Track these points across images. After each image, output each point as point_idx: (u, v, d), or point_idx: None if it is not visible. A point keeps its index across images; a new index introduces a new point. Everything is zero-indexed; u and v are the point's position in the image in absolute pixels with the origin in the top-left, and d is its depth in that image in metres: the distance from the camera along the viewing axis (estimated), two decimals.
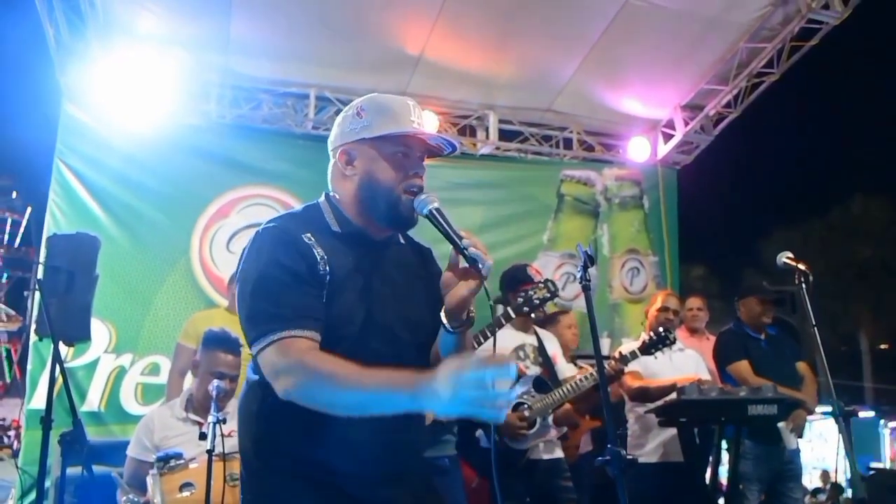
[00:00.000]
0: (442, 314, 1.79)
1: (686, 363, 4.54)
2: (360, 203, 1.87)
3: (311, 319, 1.71)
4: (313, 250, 1.77)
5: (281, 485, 1.78)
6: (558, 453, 4.08)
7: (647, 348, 4.05)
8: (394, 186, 1.83)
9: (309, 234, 1.80)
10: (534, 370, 4.10)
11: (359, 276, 1.81)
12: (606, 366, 3.92)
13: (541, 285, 3.79)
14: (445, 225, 1.75)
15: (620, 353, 4.08)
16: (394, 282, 1.87)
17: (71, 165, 6.04)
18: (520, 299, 3.78)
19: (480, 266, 1.70)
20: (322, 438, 1.73)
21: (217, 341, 3.51)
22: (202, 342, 3.59)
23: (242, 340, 3.59)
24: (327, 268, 1.77)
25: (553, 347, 4.27)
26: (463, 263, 1.74)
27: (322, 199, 1.95)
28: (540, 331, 4.28)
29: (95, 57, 5.95)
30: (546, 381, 4.05)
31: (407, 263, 1.94)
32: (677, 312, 4.70)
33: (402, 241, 1.99)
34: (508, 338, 4.04)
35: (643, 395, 4.40)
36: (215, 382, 3.23)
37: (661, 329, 4.11)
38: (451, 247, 1.76)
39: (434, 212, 1.78)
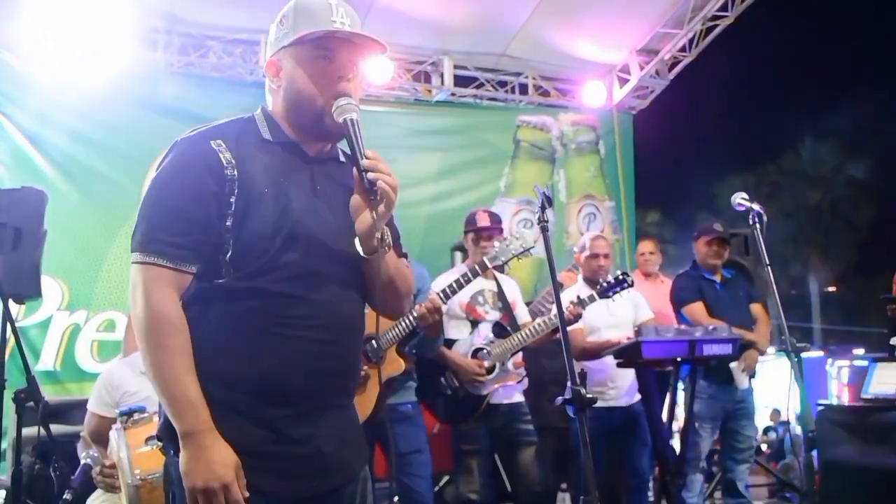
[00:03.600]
0: (356, 239, 1.72)
1: (623, 307, 4.45)
2: (289, 113, 1.78)
3: (183, 249, 1.65)
4: (220, 155, 1.68)
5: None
6: (518, 397, 4.13)
7: (605, 291, 4.08)
8: (316, 96, 1.72)
9: (220, 141, 1.70)
10: (493, 315, 4.13)
11: (288, 185, 1.71)
12: (565, 310, 3.94)
13: (515, 237, 3.73)
14: (355, 140, 1.66)
15: (578, 296, 4.11)
16: (329, 199, 1.77)
17: (11, 117, 5.81)
18: (494, 251, 3.74)
19: (377, 191, 1.63)
20: (246, 361, 1.66)
21: None
22: None
23: None
24: (235, 172, 1.67)
25: (513, 292, 4.29)
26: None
27: (258, 111, 1.85)
28: (499, 276, 4.29)
29: (33, 3, 5.69)
30: (505, 326, 4.08)
31: (344, 181, 1.79)
32: (608, 256, 4.62)
33: (342, 159, 1.88)
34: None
35: (586, 355, 4.43)
36: None
37: (619, 272, 4.14)
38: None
39: (349, 122, 1.68)
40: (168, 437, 1.72)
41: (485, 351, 3.97)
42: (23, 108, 5.86)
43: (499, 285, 4.21)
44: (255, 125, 1.81)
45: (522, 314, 4.27)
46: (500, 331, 4.03)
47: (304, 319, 1.69)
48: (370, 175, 1.63)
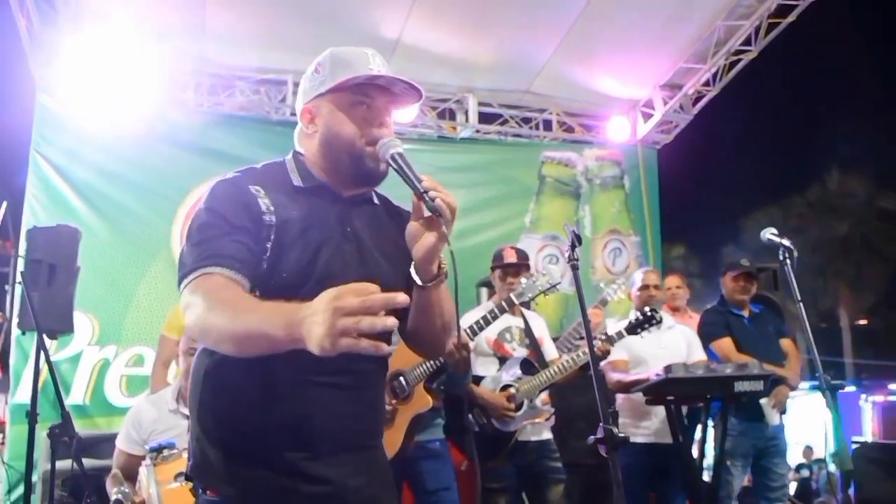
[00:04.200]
0: (412, 269, 1.72)
1: (675, 341, 4.53)
2: (324, 159, 1.78)
3: (230, 259, 1.60)
4: (258, 200, 1.68)
5: (220, 463, 1.66)
6: (546, 434, 4.10)
7: (633, 328, 4.07)
8: (355, 139, 1.73)
9: (258, 187, 1.70)
10: (520, 352, 4.11)
11: (319, 230, 1.72)
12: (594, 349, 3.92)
13: (542, 273, 3.76)
14: (407, 169, 1.68)
15: (606, 333, 4.10)
16: (360, 240, 1.78)
17: (48, 157, 5.96)
18: (521, 287, 3.75)
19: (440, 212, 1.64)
20: (264, 407, 1.64)
21: None
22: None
23: None
24: (273, 218, 1.66)
25: (539, 329, 4.29)
26: (426, 212, 1.67)
27: (288, 156, 1.86)
28: (526, 312, 4.29)
29: (69, 48, 5.86)
30: (533, 362, 4.06)
31: (378, 223, 1.84)
32: (658, 287, 4.74)
33: (375, 201, 1.90)
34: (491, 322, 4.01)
35: (620, 389, 4.43)
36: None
37: (647, 309, 4.13)
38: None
39: (396, 156, 1.70)
40: (198, 476, 1.73)
41: (513, 388, 3.95)
42: (58, 148, 6.01)
43: (526, 322, 4.21)
44: (286, 171, 1.81)
45: (550, 350, 4.25)
46: (527, 367, 4.02)
47: (330, 365, 1.64)
48: (432, 194, 1.64)
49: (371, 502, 1.77)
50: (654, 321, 4.06)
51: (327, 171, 1.79)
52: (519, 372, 4.00)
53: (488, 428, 3.92)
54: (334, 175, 1.79)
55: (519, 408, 3.93)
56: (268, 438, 1.64)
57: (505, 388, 3.96)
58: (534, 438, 4.03)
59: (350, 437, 1.75)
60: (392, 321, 1.32)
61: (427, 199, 1.64)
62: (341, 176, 1.78)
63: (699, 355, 4.58)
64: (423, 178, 1.66)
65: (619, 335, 4.05)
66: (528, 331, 4.19)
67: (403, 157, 1.70)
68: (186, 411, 3.33)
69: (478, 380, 4.00)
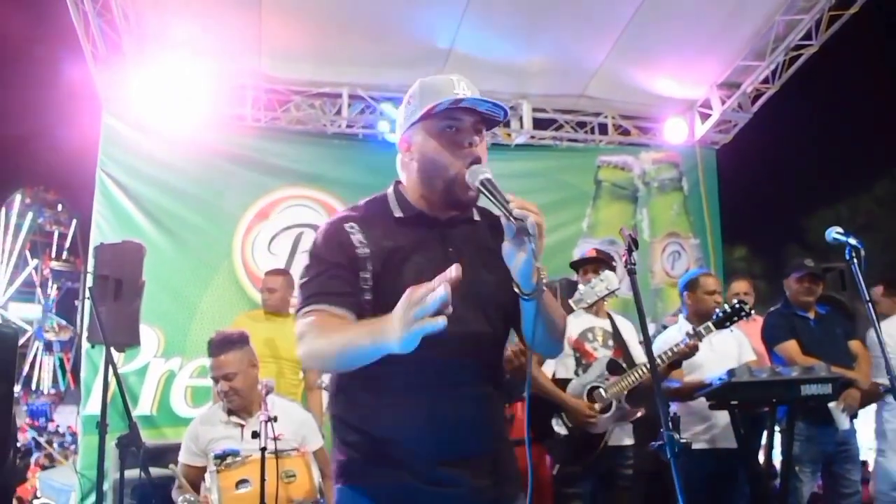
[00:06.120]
0: (513, 284, 1.78)
1: (726, 344, 4.40)
2: (422, 185, 1.89)
3: (330, 295, 1.79)
4: (351, 237, 1.84)
5: (356, 463, 1.84)
6: (626, 440, 3.99)
7: (722, 322, 3.96)
8: (449, 164, 1.83)
9: (352, 224, 1.87)
10: (602, 353, 4.03)
11: (421, 256, 1.84)
12: (684, 346, 3.87)
13: (601, 279, 3.70)
14: (495, 194, 1.75)
15: (694, 328, 3.99)
16: (461, 259, 1.76)
17: (113, 176, 6.16)
18: (579, 293, 3.71)
19: (528, 227, 1.68)
20: (388, 414, 1.81)
21: (210, 348, 3.63)
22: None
23: (234, 338, 3.70)
24: (368, 250, 1.82)
25: (629, 332, 4.20)
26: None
27: (390, 188, 1.98)
28: (616, 316, 4.22)
29: (131, 69, 6.07)
30: (620, 362, 3.97)
31: (479, 239, 1.94)
32: (716, 292, 4.57)
33: (476, 217, 1.99)
34: (574, 321, 3.95)
35: (680, 396, 4.32)
36: (217, 385, 3.43)
37: (735, 301, 4.02)
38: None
39: (485, 182, 1.77)
40: (339, 477, 1.90)
41: (600, 389, 3.89)
42: (123, 166, 6.21)
43: (614, 325, 4.13)
44: (388, 204, 1.94)
45: (638, 354, 4.12)
46: (614, 367, 3.94)
47: (455, 376, 1.82)
48: (516, 212, 1.68)
49: (498, 502, 1.88)
50: (743, 313, 3.95)
51: (424, 197, 1.91)
52: (606, 372, 3.93)
53: (575, 432, 3.85)
54: (432, 199, 1.90)
55: (607, 409, 3.87)
56: (401, 446, 1.80)
57: (593, 389, 3.91)
58: (612, 443, 3.91)
59: (477, 441, 1.87)
60: (442, 290, 1.45)
61: (513, 219, 1.68)
62: (438, 199, 1.88)
63: (749, 356, 4.45)
64: (510, 199, 1.71)
65: (708, 329, 3.94)
66: (615, 334, 4.11)
67: (492, 182, 1.77)
68: (237, 420, 3.47)
69: (561, 382, 3.94)
